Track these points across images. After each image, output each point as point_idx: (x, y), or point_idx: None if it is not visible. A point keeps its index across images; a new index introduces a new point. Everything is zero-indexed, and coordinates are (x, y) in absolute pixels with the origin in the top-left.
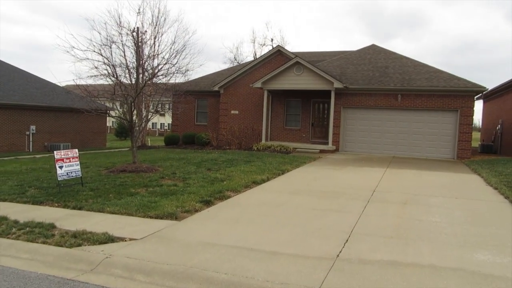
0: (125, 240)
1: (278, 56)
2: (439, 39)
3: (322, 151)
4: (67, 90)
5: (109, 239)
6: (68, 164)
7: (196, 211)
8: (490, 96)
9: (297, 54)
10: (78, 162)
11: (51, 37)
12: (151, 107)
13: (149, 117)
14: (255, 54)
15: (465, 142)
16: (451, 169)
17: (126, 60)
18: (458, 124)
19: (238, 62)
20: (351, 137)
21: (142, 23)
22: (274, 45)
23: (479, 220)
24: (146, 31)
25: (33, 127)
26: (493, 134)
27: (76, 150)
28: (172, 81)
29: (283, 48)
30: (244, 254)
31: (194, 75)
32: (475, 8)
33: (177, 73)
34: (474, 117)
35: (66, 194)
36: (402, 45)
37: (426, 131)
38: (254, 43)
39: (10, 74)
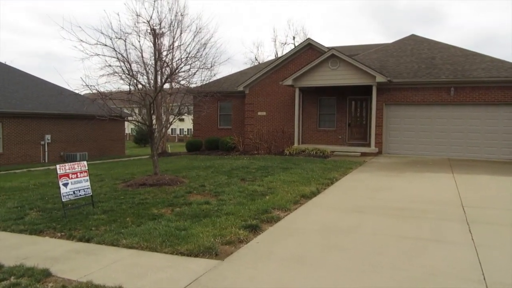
0: None
1: (309, 50)
2: (456, 34)
3: (363, 154)
4: (76, 93)
5: None
6: (75, 180)
7: (241, 241)
8: None
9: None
10: (87, 178)
11: (66, 47)
12: (175, 110)
13: (171, 120)
14: (276, 54)
15: None
16: None
17: (141, 54)
18: None
19: (259, 62)
20: (395, 138)
21: (160, 23)
22: (297, 44)
23: None
24: (163, 32)
25: (48, 136)
26: None
27: (85, 162)
28: (197, 77)
29: (314, 41)
30: None
31: (215, 76)
32: (492, 1)
33: (203, 68)
34: None
35: (73, 218)
36: None
37: (485, 129)
38: (275, 42)
39: (24, 82)
